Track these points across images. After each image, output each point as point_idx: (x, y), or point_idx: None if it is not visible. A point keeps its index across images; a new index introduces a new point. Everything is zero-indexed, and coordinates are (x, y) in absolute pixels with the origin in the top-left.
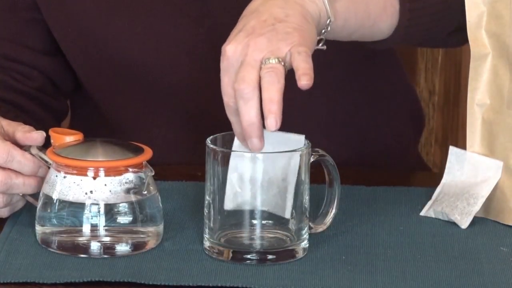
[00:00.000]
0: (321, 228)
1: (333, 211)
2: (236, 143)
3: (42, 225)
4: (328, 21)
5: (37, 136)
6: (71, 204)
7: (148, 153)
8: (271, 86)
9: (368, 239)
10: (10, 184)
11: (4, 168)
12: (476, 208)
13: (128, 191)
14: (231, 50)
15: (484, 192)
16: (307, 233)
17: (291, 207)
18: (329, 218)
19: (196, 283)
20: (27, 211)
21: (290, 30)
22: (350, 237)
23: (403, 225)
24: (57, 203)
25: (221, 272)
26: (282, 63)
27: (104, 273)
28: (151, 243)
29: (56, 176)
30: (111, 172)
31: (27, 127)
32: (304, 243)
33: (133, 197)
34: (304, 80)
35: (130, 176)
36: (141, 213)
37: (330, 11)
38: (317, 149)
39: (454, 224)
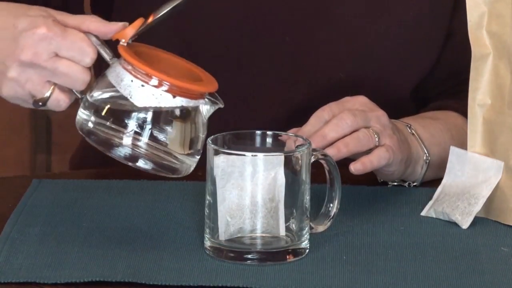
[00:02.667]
0: (321, 228)
1: (334, 211)
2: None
3: (88, 112)
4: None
5: (119, 27)
6: (120, 103)
7: (207, 86)
8: (358, 141)
9: (369, 239)
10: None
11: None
12: (477, 208)
13: (172, 113)
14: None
15: (484, 192)
16: (307, 233)
17: (284, 225)
18: (329, 218)
19: (197, 283)
20: (27, 210)
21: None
22: (350, 237)
23: (404, 225)
24: (109, 96)
25: (221, 272)
26: (376, 139)
27: (105, 273)
28: (176, 171)
29: (120, 72)
30: (165, 87)
31: (93, 17)
32: (305, 243)
33: (174, 120)
34: (356, 167)
35: (182, 100)
36: (180, 138)
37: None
38: (318, 149)
39: (454, 224)
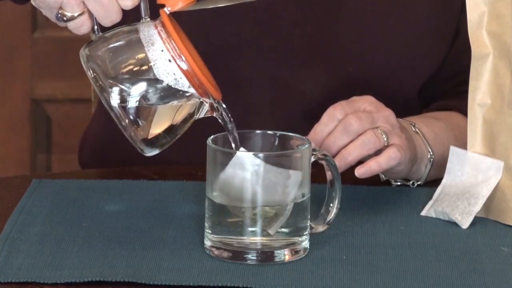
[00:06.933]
0: (321, 228)
1: (334, 211)
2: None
3: (100, 52)
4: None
5: None
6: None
7: (218, 92)
8: (362, 145)
9: (369, 239)
10: None
11: None
12: (476, 208)
13: (178, 95)
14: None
15: (484, 192)
16: (307, 233)
17: (284, 224)
18: (330, 218)
19: (197, 283)
20: (27, 210)
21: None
22: (350, 237)
23: (404, 225)
24: (134, 52)
25: (221, 272)
26: (384, 139)
27: (105, 273)
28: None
29: (153, 35)
30: (189, 74)
31: None
32: (305, 243)
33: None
34: (360, 172)
35: (193, 92)
36: (160, 124)
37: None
38: (318, 149)
39: (454, 224)
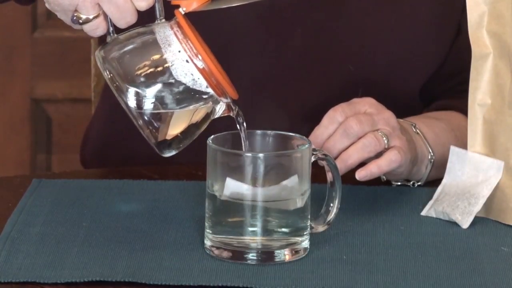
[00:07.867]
0: (322, 228)
1: (334, 210)
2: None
3: (115, 54)
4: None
5: None
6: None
7: (234, 92)
8: (363, 148)
9: (369, 239)
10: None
11: None
12: (477, 208)
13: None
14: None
15: (485, 192)
16: (307, 233)
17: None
18: (330, 218)
19: (197, 282)
20: (27, 210)
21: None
22: (350, 237)
23: (404, 224)
24: (151, 52)
25: (221, 272)
26: (385, 142)
27: (105, 272)
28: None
29: (170, 36)
30: (207, 74)
31: None
32: (305, 243)
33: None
34: (361, 174)
35: (211, 92)
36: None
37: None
38: (318, 148)
39: (455, 224)
